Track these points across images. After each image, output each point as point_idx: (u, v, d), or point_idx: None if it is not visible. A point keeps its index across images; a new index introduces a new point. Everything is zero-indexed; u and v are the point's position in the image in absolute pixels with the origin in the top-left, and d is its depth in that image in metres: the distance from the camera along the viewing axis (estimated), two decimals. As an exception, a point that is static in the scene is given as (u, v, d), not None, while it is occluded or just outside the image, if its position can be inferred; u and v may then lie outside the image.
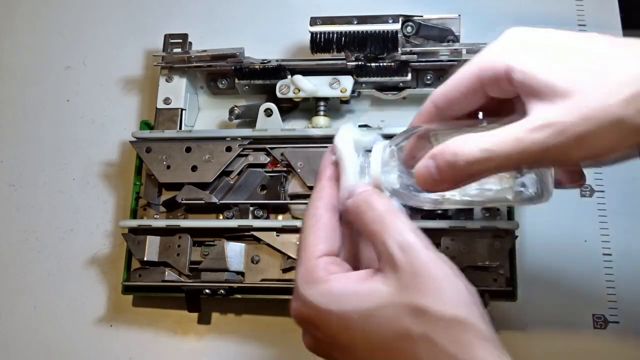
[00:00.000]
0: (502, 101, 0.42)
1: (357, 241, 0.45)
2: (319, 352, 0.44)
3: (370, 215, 0.41)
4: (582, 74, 0.37)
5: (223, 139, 0.67)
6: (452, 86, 0.42)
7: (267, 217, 0.66)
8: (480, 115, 0.44)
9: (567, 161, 0.38)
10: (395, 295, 0.38)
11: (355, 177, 0.44)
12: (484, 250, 0.60)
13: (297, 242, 0.45)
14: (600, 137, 0.36)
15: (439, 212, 0.63)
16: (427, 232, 0.60)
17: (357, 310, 0.39)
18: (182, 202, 0.65)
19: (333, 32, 0.66)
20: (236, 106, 0.70)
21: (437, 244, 0.60)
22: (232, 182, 0.66)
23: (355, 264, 0.45)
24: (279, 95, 0.68)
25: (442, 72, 0.68)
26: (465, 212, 0.63)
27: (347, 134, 0.46)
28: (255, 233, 0.63)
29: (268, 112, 0.68)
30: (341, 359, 0.42)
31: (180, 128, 0.70)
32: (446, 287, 0.38)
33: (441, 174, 0.39)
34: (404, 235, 0.40)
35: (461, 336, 0.37)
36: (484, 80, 0.40)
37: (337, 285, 0.40)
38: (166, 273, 0.64)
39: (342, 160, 0.45)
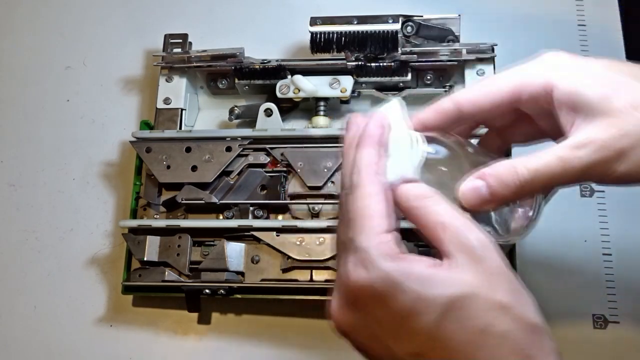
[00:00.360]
0: (516, 119, 0.46)
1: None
2: (357, 334, 0.40)
3: (440, 210, 0.39)
4: (618, 94, 0.40)
5: (223, 139, 0.67)
6: (484, 95, 0.43)
7: (267, 217, 0.66)
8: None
9: (608, 177, 0.40)
10: (482, 287, 0.37)
11: (408, 166, 0.41)
12: (484, 250, 0.60)
13: (344, 208, 0.40)
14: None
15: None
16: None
17: (442, 295, 0.36)
18: (182, 202, 0.65)
19: (333, 32, 0.66)
20: (236, 106, 0.70)
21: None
22: (232, 182, 0.66)
23: None
24: (279, 95, 0.68)
25: (442, 72, 0.68)
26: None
27: (397, 110, 0.43)
28: (255, 233, 0.63)
29: (268, 112, 0.68)
30: (394, 344, 0.38)
31: (180, 128, 0.70)
32: (526, 294, 0.39)
33: (492, 194, 0.41)
34: (483, 234, 0.39)
35: (539, 343, 0.37)
36: (522, 94, 0.42)
37: (417, 267, 0.37)
38: (166, 273, 0.64)
39: (395, 140, 0.42)
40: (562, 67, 0.42)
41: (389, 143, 0.41)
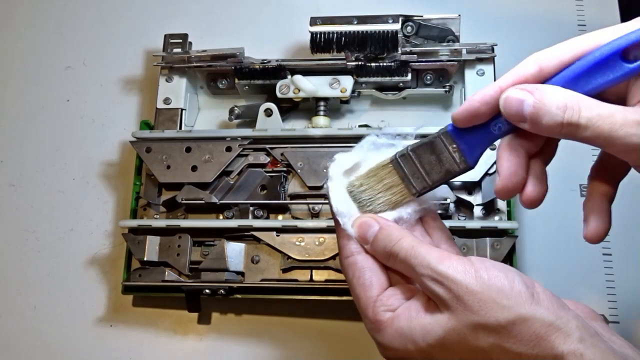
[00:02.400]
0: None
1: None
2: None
3: (398, 258, 0.42)
4: None
5: (223, 139, 0.67)
6: (567, 49, 0.40)
7: (267, 217, 0.66)
8: None
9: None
10: (452, 321, 0.39)
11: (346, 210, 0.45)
12: (484, 250, 0.60)
13: (350, 289, 0.45)
14: None
15: (439, 212, 0.63)
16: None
17: (431, 343, 0.40)
18: (182, 202, 0.65)
19: (333, 32, 0.66)
20: (236, 106, 0.70)
21: (437, 244, 0.61)
22: (232, 182, 0.66)
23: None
24: (279, 95, 0.68)
25: (442, 72, 0.68)
26: (465, 212, 0.63)
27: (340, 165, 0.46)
28: (255, 233, 0.63)
29: (268, 112, 0.68)
30: None
31: (180, 128, 0.70)
32: (488, 296, 0.38)
33: (533, 114, 0.39)
34: (432, 268, 0.40)
35: (527, 334, 0.37)
36: None
37: (403, 324, 0.41)
38: (166, 273, 0.64)
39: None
40: None
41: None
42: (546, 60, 0.40)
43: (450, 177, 0.44)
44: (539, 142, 0.42)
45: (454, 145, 0.43)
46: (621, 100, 0.39)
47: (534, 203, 0.42)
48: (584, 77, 0.39)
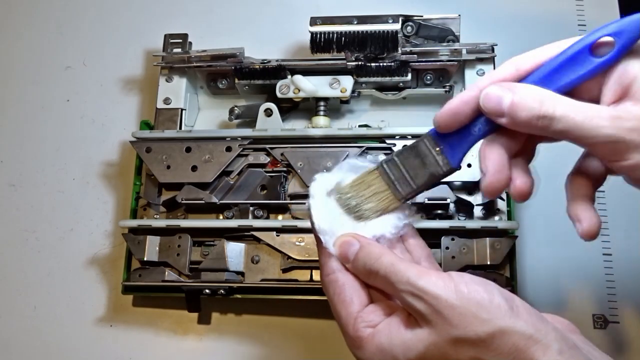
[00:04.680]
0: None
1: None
2: None
3: (378, 275, 0.42)
4: None
5: (223, 139, 0.67)
6: (542, 53, 0.42)
7: (267, 217, 0.66)
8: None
9: (618, 160, 0.39)
10: (432, 335, 0.39)
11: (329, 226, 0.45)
12: (484, 250, 0.60)
13: (330, 304, 0.45)
14: None
15: (439, 212, 0.63)
16: (427, 232, 0.61)
17: (411, 359, 0.40)
18: (182, 202, 0.65)
19: (333, 32, 0.66)
20: (236, 106, 0.70)
21: (437, 244, 0.61)
22: (232, 182, 0.66)
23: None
24: (279, 95, 0.68)
25: (442, 72, 0.68)
26: (465, 212, 0.63)
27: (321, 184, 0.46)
28: (255, 233, 0.63)
29: (268, 112, 0.68)
30: None
31: (180, 128, 0.70)
32: (468, 310, 0.38)
33: (510, 111, 0.40)
34: (411, 284, 0.40)
35: (506, 347, 0.37)
36: None
37: (383, 339, 0.41)
38: (166, 273, 0.64)
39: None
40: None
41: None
42: (522, 62, 0.42)
43: (434, 180, 0.44)
44: (518, 141, 0.43)
45: (437, 148, 0.43)
46: (594, 101, 0.40)
47: (525, 195, 0.43)
48: (556, 73, 0.40)
